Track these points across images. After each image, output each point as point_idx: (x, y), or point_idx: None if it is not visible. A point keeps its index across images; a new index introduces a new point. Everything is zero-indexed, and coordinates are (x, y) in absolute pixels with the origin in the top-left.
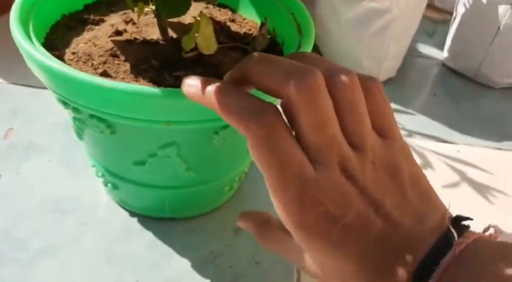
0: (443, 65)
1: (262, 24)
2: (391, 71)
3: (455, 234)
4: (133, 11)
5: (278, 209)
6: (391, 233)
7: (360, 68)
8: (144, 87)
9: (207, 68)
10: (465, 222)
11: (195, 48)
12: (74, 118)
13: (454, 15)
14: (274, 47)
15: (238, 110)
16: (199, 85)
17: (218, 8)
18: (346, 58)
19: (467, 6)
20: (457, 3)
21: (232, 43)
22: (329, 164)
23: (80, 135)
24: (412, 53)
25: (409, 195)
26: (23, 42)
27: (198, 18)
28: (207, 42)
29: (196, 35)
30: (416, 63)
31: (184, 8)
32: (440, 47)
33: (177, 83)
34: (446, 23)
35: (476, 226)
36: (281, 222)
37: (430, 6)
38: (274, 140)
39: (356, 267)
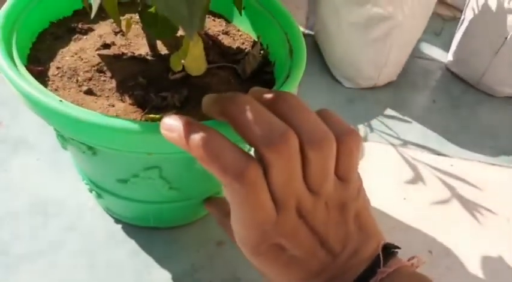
0: (447, 69)
1: (254, 44)
2: (391, 76)
3: (381, 263)
4: (118, 26)
5: (236, 236)
6: (330, 263)
7: (359, 72)
8: (123, 121)
9: (194, 89)
10: (395, 250)
11: (183, 68)
12: (57, 133)
13: (462, 17)
14: (265, 66)
15: (222, 164)
16: (181, 130)
17: (213, 17)
18: (345, 61)
19: (476, 12)
20: (466, 6)
21: (223, 62)
22: (287, 207)
23: (63, 147)
24: (415, 53)
25: (351, 228)
26: (5, 65)
27: None
28: (195, 64)
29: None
30: (419, 66)
31: (171, 31)
32: (446, 47)
33: (163, 104)
34: (456, 21)
35: (465, 248)
36: None
37: (440, 1)
38: (252, 196)
39: None
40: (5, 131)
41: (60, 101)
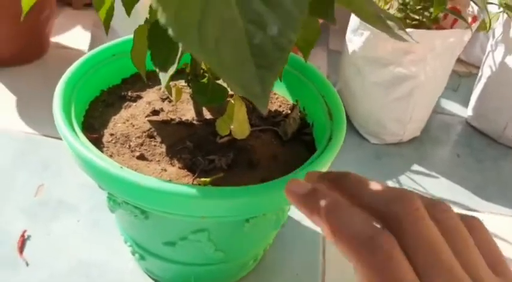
0: (467, 123)
1: (293, 107)
2: (415, 131)
3: None
4: (169, 94)
5: None
6: None
7: (384, 129)
8: (181, 187)
9: (239, 152)
10: None
11: (230, 132)
12: (109, 198)
13: (479, 74)
14: (304, 128)
15: (352, 236)
16: (309, 196)
17: None
18: (370, 118)
19: (493, 69)
20: (483, 63)
21: (264, 125)
22: None
23: (112, 210)
24: (435, 109)
25: None
26: (68, 134)
27: (232, 101)
28: (240, 128)
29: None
30: (440, 121)
31: (221, 97)
32: (464, 102)
33: (210, 167)
34: (471, 77)
35: None
36: None
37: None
38: (391, 270)
39: None
40: (46, 194)
41: (121, 167)
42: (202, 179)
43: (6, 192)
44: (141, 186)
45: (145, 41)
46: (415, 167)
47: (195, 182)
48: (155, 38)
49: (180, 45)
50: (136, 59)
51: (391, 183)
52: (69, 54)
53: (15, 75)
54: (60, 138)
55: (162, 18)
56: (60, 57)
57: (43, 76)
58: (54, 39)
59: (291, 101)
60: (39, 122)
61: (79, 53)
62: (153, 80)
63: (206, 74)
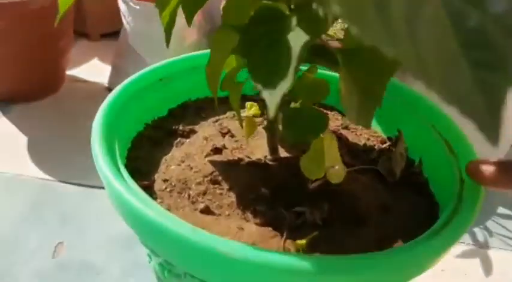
0: None
1: (397, 139)
2: None
3: None
4: (240, 124)
5: None
6: None
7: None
8: (286, 257)
9: (336, 201)
10: None
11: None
12: (161, 266)
13: None
14: (409, 167)
15: None
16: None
17: (325, 111)
18: None
19: None
20: None
21: (357, 163)
22: None
23: (161, 280)
24: None
25: None
26: (117, 183)
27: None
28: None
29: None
30: None
31: (319, 129)
32: None
33: (299, 222)
34: None
35: None
36: None
37: None
38: None
39: None
40: (67, 254)
41: (193, 229)
42: (299, 242)
43: (19, 253)
44: (223, 257)
45: (227, 50)
46: (501, 210)
47: (285, 246)
48: (254, 41)
49: (293, 47)
50: (212, 77)
51: (478, 231)
52: (86, 88)
53: (26, 113)
54: (81, 185)
55: None
56: (77, 92)
57: (58, 113)
58: (69, 72)
59: (380, 132)
60: (54, 166)
61: (97, 87)
62: (206, 111)
63: (295, 97)
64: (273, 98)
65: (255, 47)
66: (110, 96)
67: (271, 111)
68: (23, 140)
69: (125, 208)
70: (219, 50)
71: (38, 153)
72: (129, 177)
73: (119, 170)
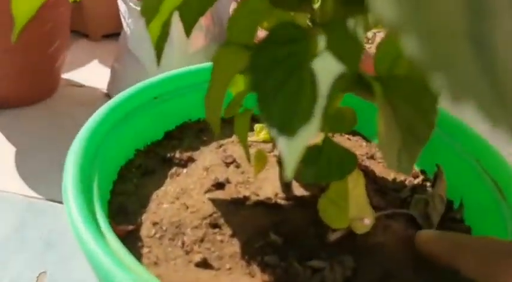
0: None
1: (436, 177)
2: None
3: None
4: (247, 158)
5: None
6: None
7: None
8: None
9: (362, 254)
10: None
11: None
12: None
13: None
14: (447, 210)
15: None
16: None
17: (346, 135)
18: None
19: None
20: None
21: (388, 205)
22: None
23: None
24: None
25: None
26: (87, 236)
27: None
28: (360, 215)
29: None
30: None
31: (346, 169)
32: None
33: (315, 280)
34: None
35: None
36: None
37: None
38: None
39: None
40: None
41: None
42: None
43: None
44: None
45: (231, 74)
46: None
47: None
48: (266, 68)
49: (320, 78)
50: (212, 105)
51: None
52: (83, 93)
53: (14, 120)
54: None
55: None
56: (72, 97)
57: (49, 121)
58: (65, 75)
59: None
60: (42, 182)
61: (95, 93)
62: (208, 134)
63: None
64: (291, 149)
65: (267, 76)
66: (93, 119)
67: (289, 169)
68: (9, 150)
69: (94, 265)
70: (221, 73)
71: (25, 166)
72: (106, 221)
73: (93, 211)
